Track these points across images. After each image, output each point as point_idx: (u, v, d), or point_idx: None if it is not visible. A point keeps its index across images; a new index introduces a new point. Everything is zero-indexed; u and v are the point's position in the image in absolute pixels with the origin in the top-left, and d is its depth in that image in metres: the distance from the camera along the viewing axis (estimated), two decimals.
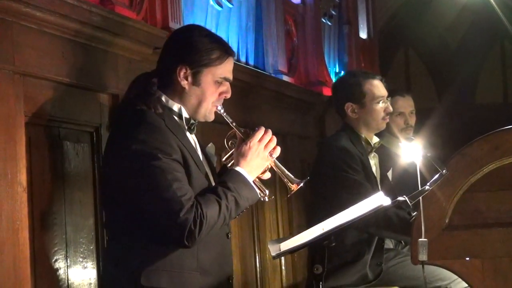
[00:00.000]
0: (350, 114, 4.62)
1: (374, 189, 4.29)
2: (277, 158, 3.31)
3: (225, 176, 3.20)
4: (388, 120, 4.69)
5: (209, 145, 3.48)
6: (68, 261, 3.48)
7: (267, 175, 3.33)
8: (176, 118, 3.25)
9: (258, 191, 3.25)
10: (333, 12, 7.64)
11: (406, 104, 5.60)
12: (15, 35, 3.19)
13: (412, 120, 5.62)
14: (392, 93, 5.51)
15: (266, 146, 3.25)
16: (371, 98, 4.59)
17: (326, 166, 4.51)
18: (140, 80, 3.29)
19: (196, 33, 3.30)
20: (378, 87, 4.63)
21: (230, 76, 3.31)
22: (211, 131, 3.64)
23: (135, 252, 3.11)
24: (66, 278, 3.47)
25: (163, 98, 3.24)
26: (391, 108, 4.66)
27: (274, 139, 3.28)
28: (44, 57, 3.36)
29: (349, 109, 4.62)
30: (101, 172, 3.63)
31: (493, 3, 7.64)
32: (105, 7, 3.79)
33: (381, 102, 4.60)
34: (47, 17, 3.34)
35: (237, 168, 3.20)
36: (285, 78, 6.22)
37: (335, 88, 4.87)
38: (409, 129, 5.56)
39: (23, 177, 3.17)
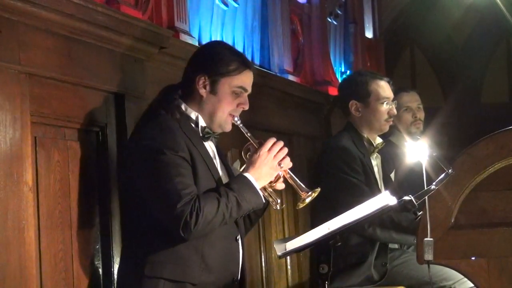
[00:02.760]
0: (354, 113, 4.61)
1: (372, 191, 4.28)
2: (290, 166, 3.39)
3: (231, 179, 3.34)
4: (391, 123, 4.67)
5: (236, 162, 3.59)
6: (73, 260, 3.49)
7: (281, 186, 3.42)
8: (192, 125, 3.37)
9: (263, 196, 3.32)
10: (339, 12, 7.63)
11: (412, 98, 5.62)
12: (21, 35, 3.19)
13: (421, 114, 5.62)
14: (397, 90, 5.54)
15: (275, 156, 3.34)
16: (376, 98, 4.58)
17: (326, 165, 4.51)
18: (165, 90, 3.45)
19: (218, 46, 3.55)
20: (384, 88, 4.62)
21: (248, 88, 3.43)
22: (226, 136, 3.67)
23: (142, 244, 3.25)
24: (72, 277, 3.47)
25: (182, 106, 3.38)
26: (395, 111, 4.65)
27: (285, 150, 3.37)
28: (50, 56, 3.36)
29: (353, 107, 4.61)
30: (106, 171, 3.67)
31: (499, 2, 7.64)
32: (110, 6, 3.79)
33: (385, 103, 4.58)
34: (53, 17, 3.34)
35: (245, 174, 3.30)
36: (291, 77, 6.22)
37: (342, 85, 4.87)
38: (418, 122, 5.58)
39: (29, 177, 3.17)
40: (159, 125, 3.26)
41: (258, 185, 3.28)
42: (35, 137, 3.29)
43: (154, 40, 4.02)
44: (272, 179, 3.36)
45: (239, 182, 3.26)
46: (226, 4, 5.38)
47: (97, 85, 3.67)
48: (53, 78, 3.39)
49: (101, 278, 3.65)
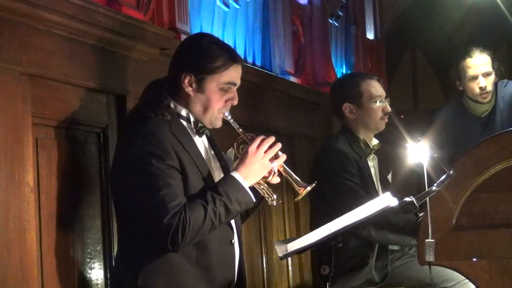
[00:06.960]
0: (348, 115, 4.60)
1: (369, 194, 4.27)
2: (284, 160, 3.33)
3: (218, 181, 3.23)
4: (386, 120, 4.65)
5: (229, 150, 3.52)
6: (75, 262, 3.49)
7: (276, 180, 3.33)
8: (184, 122, 3.28)
9: (256, 191, 3.26)
10: (340, 13, 7.64)
11: (475, 65, 5.24)
12: (23, 36, 3.20)
13: (488, 82, 5.22)
14: (464, 50, 5.37)
15: (266, 152, 3.25)
16: (368, 97, 4.56)
17: (322, 168, 4.50)
18: (152, 87, 3.34)
19: (204, 40, 3.32)
20: (375, 86, 4.61)
21: (237, 82, 3.31)
22: (218, 131, 3.66)
23: (135, 253, 3.17)
24: (73, 278, 3.48)
25: (172, 104, 3.27)
26: (389, 108, 4.62)
27: (277, 146, 3.28)
28: (51, 58, 3.37)
29: (347, 109, 4.60)
30: (108, 172, 3.65)
31: (500, 3, 7.63)
32: (112, 8, 3.79)
33: (378, 101, 4.57)
34: (55, 18, 3.34)
35: (232, 173, 3.22)
36: (292, 78, 6.22)
37: (333, 90, 4.86)
38: (484, 93, 5.25)
39: (30, 178, 3.17)
40: (147, 131, 3.13)
41: (247, 183, 3.20)
42: (37, 138, 3.30)
43: (155, 42, 4.02)
44: (266, 175, 3.28)
45: (225, 184, 3.16)
46: (227, 6, 5.39)
47: (98, 86, 3.68)
48: (55, 79, 3.40)
49: (103, 279, 3.65)
